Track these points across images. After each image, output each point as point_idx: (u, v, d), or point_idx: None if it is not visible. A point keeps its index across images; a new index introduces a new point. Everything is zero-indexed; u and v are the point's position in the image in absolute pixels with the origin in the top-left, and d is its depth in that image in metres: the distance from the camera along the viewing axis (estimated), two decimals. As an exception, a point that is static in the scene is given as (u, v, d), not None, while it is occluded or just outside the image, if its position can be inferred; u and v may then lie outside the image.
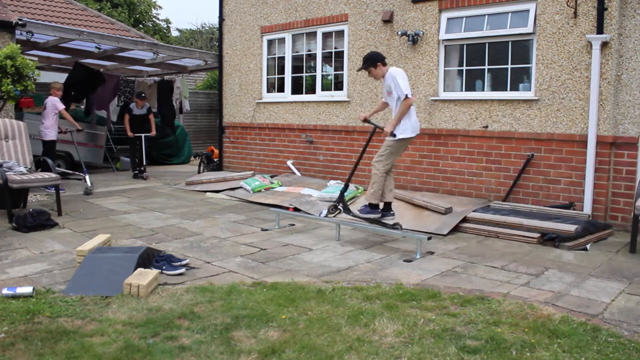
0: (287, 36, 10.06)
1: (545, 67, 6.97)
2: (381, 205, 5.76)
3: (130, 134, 10.86)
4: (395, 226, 5.78)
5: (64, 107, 9.42)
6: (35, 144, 8.94)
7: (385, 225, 5.76)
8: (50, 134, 9.21)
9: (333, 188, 7.92)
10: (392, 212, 5.77)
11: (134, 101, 11.34)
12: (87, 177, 9.19)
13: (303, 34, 9.85)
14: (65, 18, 12.99)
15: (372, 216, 5.73)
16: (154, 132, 11.22)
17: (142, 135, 10.90)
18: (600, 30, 6.45)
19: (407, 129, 5.51)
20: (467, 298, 4.00)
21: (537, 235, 5.86)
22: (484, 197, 7.57)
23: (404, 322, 3.52)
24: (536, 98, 7.04)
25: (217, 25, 12.38)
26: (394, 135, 5.48)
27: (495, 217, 6.36)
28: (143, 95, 11.19)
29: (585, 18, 6.61)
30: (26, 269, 4.70)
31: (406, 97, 5.36)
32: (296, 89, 10.15)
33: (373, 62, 5.65)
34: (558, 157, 6.95)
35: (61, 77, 11.80)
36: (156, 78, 14.40)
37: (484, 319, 3.59)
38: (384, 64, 5.69)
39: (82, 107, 12.90)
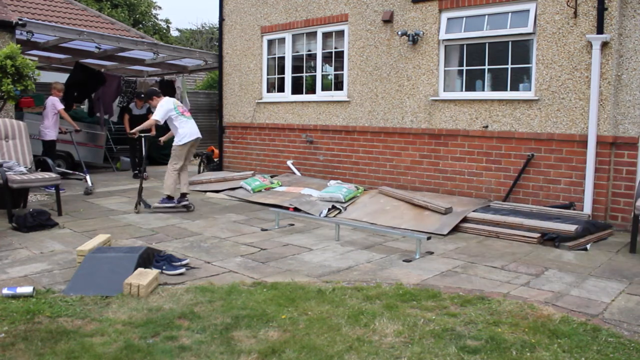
0: (287, 36, 10.06)
1: (546, 67, 6.97)
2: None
3: (129, 132, 10.83)
4: (188, 207, 7.42)
5: (63, 107, 9.43)
6: (35, 143, 8.94)
7: (188, 207, 7.43)
8: (50, 133, 9.22)
9: (333, 188, 7.91)
10: (187, 199, 7.50)
11: (133, 101, 11.32)
12: (87, 177, 9.19)
13: (303, 34, 9.85)
14: (66, 18, 13.00)
15: (168, 205, 7.38)
16: (153, 132, 11.17)
17: (142, 135, 10.87)
18: (600, 30, 6.45)
19: (183, 137, 7.36)
20: (467, 298, 4.00)
21: (537, 235, 5.86)
22: (484, 197, 7.57)
23: (404, 322, 3.52)
24: (536, 98, 7.04)
25: (217, 25, 12.38)
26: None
27: (496, 217, 6.36)
28: (142, 95, 11.12)
29: (585, 18, 6.61)
30: (26, 268, 4.70)
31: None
32: (296, 89, 10.15)
33: (150, 96, 7.57)
34: (558, 157, 6.95)
35: (61, 77, 11.80)
36: (157, 78, 14.40)
37: (484, 319, 3.59)
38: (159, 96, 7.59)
39: (83, 107, 12.89)
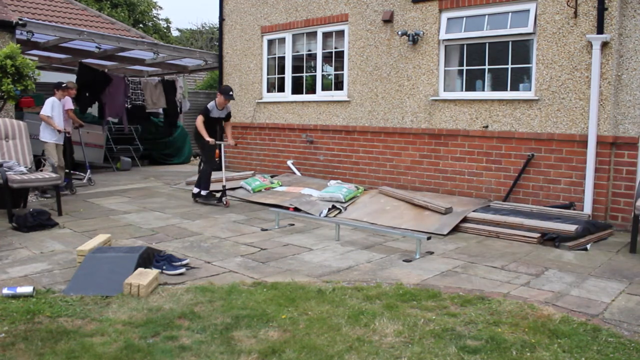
0: (288, 36, 10.06)
1: (546, 67, 6.97)
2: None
3: (209, 140, 7.91)
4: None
5: (72, 107, 9.44)
6: (35, 143, 8.93)
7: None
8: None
9: (333, 188, 7.91)
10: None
11: (214, 100, 8.24)
12: (87, 172, 9.39)
13: (303, 33, 9.85)
14: (66, 18, 12.99)
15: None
16: (232, 142, 8.61)
17: (222, 143, 8.44)
18: (600, 30, 6.44)
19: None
20: (467, 298, 4.00)
21: (537, 235, 5.86)
22: (484, 197, 7.57)
23: (404, 322, 3.52)
24: (536, 98, 7.04)
25: (217, 25, 12.38)
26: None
27: (496, 217, 6.35)
28: (231, 93, 8.12)
29: (586, 18, 6.61)
30: (26, 268, 4.70)
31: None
32: (296, 89, 10.15)
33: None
34: (558, 157, 6.95)
35: (61, 77, 11.79)
36: (157, 78, 14.39)
37: (484, 319, 3.59)
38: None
39: (90, 109, 12.86)
